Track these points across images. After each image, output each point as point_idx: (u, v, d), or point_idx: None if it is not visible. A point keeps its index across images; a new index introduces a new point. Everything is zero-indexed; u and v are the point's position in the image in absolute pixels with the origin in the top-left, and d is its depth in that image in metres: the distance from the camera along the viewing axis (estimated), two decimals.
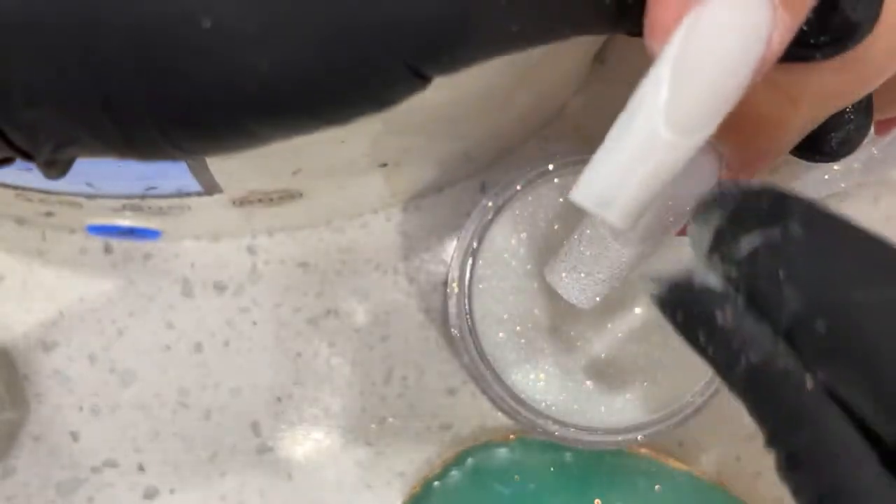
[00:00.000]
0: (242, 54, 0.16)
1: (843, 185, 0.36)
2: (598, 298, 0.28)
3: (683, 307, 0.18)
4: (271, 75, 0.16)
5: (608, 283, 0.27)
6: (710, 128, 0.18)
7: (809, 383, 0.17)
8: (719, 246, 0.18)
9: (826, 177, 0.30)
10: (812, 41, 0.18)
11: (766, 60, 0.18)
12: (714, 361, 0.18)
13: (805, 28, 0.18)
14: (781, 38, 0.18)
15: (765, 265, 0.17)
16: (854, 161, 0.35)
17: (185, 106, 0.17)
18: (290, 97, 0.17)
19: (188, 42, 0.16)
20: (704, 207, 0.18)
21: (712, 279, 0.18)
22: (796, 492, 0.17)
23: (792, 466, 0.17)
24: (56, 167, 0.19)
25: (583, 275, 0.27)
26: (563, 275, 0.28)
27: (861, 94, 0.20)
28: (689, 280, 0.18)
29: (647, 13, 0.18)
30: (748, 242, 0.17)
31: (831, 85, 0.20)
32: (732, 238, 0.17)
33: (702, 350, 0.18)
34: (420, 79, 0.17)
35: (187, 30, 0.16)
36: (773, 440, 0.17)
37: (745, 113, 0.19)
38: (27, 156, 0.18)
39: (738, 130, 0.20)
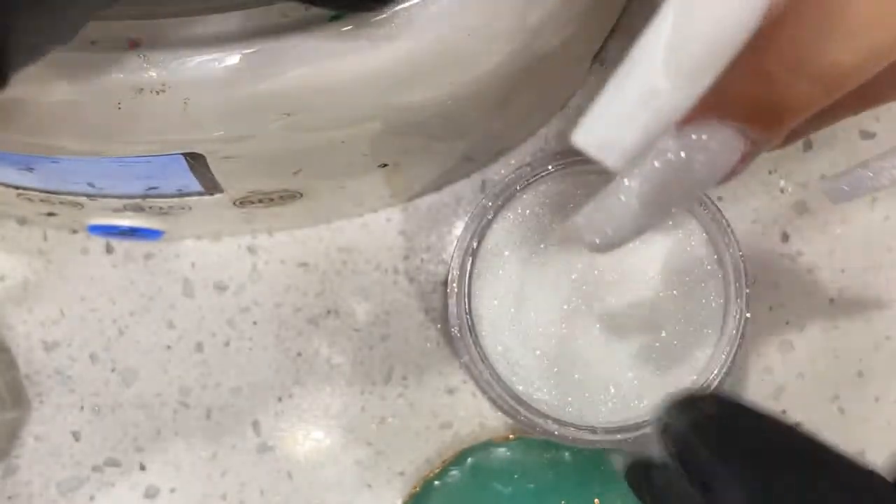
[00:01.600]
0: None
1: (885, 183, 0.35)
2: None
3: (638, 477, 0.25)
4: None
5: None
6: (710, 75, 0.17)
7: None
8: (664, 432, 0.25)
9: (870, 174, 0.30)
10: None
11: (770, 9, 0.17)
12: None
13: None
14: None
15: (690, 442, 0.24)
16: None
17: None
18: None
19: None
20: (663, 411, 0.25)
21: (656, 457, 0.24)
22: None
23: None
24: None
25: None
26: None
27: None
28: (645, 459, 0.25)
29: None
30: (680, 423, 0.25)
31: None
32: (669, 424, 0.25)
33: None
34: None
35: None
36: None
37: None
38: None
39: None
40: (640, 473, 0.25)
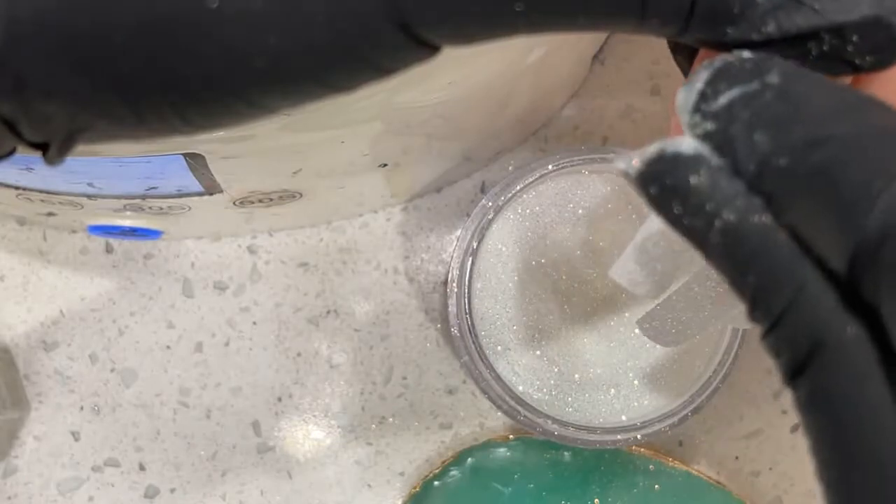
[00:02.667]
0: (249, 31, 0.16)
1: None
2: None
3: (656, 179, 0.18)
4: (278, 49, 0.17)
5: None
6: None
7: (782, 237, 0.16)
8: (700, 105, 0.17)
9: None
10: (857, 61, 0.18)
11: None
12: (690, 231, 0.17)
13: (849, 47, 0.17)
14: None
15: (739, 113, 0.17)
16: None
17: (196, 85, 0.17)
18: (297, 69, 0.17)
19: (195, 24, 0.16)
20: (695, 73, 0.18)
21: (684, 145, 0.17)
22: (778, 357, 0.17)
23: (774, 330, 0.17)
24: (63, 155, 0.19)
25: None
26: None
27: None
28: (660, 152, 0.17)
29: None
30: (726, 96, 0.17)
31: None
32: (713, 95, 0.17)
33: (678, 222, 0.18)
34: (425, 47, 0.17)
35: (194, 12, 0.16)
36: (755, 307, 0.17)
37: None
38: (36, 146, 0.19)
39: None
40: (664, 174, 0.17)
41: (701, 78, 0.18)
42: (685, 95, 0.18)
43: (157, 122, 0.18)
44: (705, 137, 0.17)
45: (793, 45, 0.17)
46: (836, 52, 0.17)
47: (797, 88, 0.17)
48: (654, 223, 0.21)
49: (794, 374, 0.16)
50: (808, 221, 0.16)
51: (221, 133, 0.27)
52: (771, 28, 0.17)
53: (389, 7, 0.17)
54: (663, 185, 0.17)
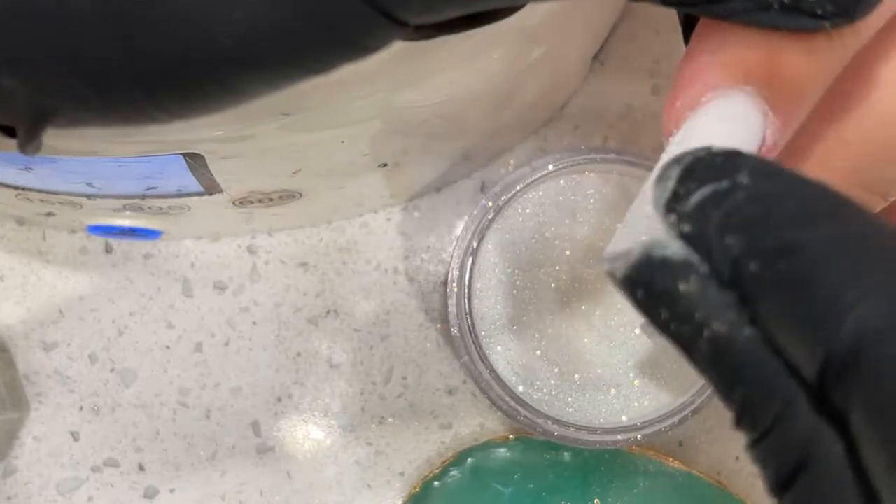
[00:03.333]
0: (216, 7, 0.16)
1: None
2: None
3: (643, 283, 0.17)
4: (246, 26, 0.16)
5: None
6: None
7: (768, 350, 0.16)
8: (673, 203, 0.17)
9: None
10: (819, 11, 0.18)
11: (765, 155, 0.19)
12: (677, 337, 0.17)
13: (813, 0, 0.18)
14: (775, 138, 0.19)
15: (711, 214, 0.17)
16: None
17: (164, 65, 0.17)
18: (267, 47, 0.17)
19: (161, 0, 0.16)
20: (664, 169, 0.18)
21: (672, 249, 0.17)
22: (764, 468, 0.17)
23: (761, 443, 0.17)
24: (35, 141, 0.19)
25: None
26: None
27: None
28: (647, 254, 0.17)
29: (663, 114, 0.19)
30: (698, 195, 0.17)
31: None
32: (684, 194, 0.17)
33: (664, 327, 0.17)
34: (396, 23, 0.17)
35: None
36: (741, 419, 0.17)
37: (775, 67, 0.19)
38: (7, 131, 0.18)
39: (771, 87, 0.20)
40: (652, 279, 0.17)
41: (672, 175, 0.18)
42: (658, 194, 0.18)
43: (125, 105, 0.17)
44: (683, 238, 0.17)
45: None
46: (798, 3, 0.18)
47: (768, 189, 0.17)
48: (638, 209, 0.21)
49: (781, 487, 0.16)
50: (779, 328, 0.16)
51: (221, 132, 0.27)
52: None
53: None
54: (651, 291, 0.17)
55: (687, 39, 0.21)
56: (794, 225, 0.16)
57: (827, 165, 0.22)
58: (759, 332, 0.16)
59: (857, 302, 0.15)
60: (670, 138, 0.20)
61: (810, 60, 0.19)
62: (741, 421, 0.17)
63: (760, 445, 0.17)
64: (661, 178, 0.18)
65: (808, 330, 0.15)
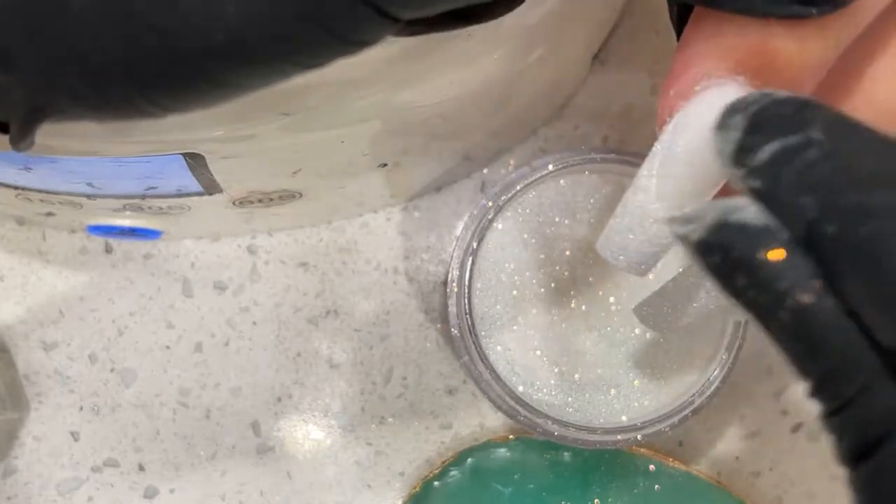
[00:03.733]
0: (206, 2, 0.16)
1: None
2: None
3: (721, 250, 0.17)
4: (238, 21, 0.16)
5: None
6: (693, 198, 0.20)
7: (843, 320, 0.16)
8: (741, 155, 0.17)
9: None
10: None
11: None
12: (755, 306, 0.17)
13: None
14: None
15: (783, 172, 0.16)
16: None
17: (156, 60, 0.17)
18: (258, 42, 0.17)
19: None
20: (728, 115, 0.17)
21: (750, 213, 0.17)
22: (841, 438, 0.16)
23: (841, 413, 0.16)
24: (27, 138, 0.19)
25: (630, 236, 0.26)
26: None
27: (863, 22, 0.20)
28: (724, 218, 0.17)
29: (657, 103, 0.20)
30: (767, 150, 0.16)
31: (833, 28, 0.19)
32: (753, 146, 0.17)
33: (742, 294, 0.17)
34: (388, 18, 0.17)
35: None
36: (820, 389, 0.17)
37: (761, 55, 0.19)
38: (0, 127, 0.18)
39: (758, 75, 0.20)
40: (731, 245, 0.16)
41: (736, 124, 0.17)
42: (722, 142, 0.17)
43: (119, 100, 0.17)
44: (754, 195, 0.17)
45: None
46: None
47: (843, 146, 0.16)
48: (632, 199, 0.21)
49: (858, 458, 0.16)
50: (856, 291, 0.16)
51: (221, 132, 0.27)
52: None
53: None
54: (729, 258, 0.17)
55: (680, 34, 0.21)
56: (874, 185, 0.15)
57: None
58: (838, 298, 0.16)
59: None
60: (663, 127, 0.20)
61: (802, 49, 0.19)
62: (819, 392, 0.17)
63: (840, 416, 0.16)
64: (724, 127, 0.17)
65: (885, 301, 0.15)
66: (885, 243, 0.15)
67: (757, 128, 0.17)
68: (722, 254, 0.17)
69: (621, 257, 0.22)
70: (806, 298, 0.16)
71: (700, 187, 0.20)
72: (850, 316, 0.16)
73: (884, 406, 0.16)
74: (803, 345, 0.17)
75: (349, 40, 0.18)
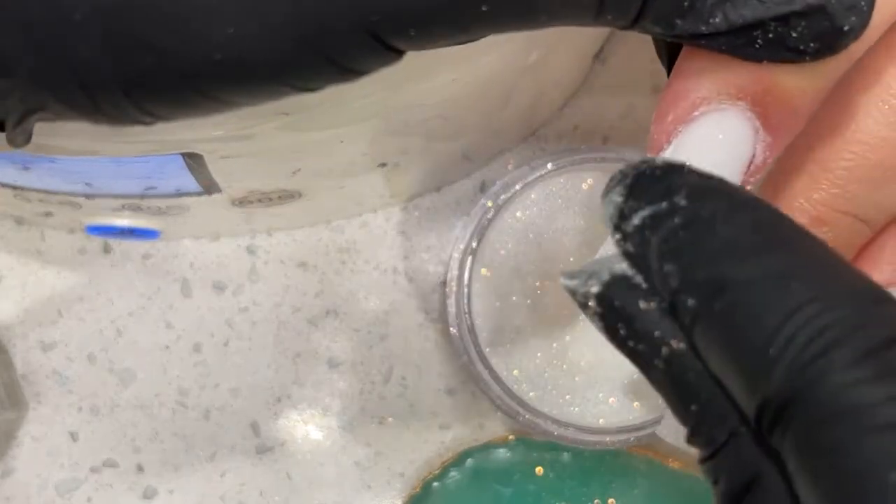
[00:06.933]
0: (206, 22, 0.16)
1: None
2: None
3: (601, 298, 0.18)
4: (234, 43, 0.16)
5: None
6: None
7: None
8: (619, 221, 0.18)
9: None
10: (801, 47, 0.18)
11: (753, 172, 0.19)
12: (635, 355, 0.18)
13: (794, 34, 0.18)
14: (765, 156, 0.19)
15: (650, 237, 0.17)
16: None
17: (151, 73, 0.17)
18: (254, 64, 0.17)
19: (153, 10, 0.16)
20: (610, 185, 0.18)
21: (628, 266, 0.17)
22: (715, 482, 0.17)
23: (714, 459, 0.17)
24: (23, 135, 0.19)
25: None
26: None
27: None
28: (609, 268, 0.18)
29: (651, 129, 0.20)
30: (639, 216, 0.17)
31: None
32: (628, 212, 0.17)
33: (622, 344, 0.18)
34: (391, 51, 0.17)
35: None
36: (695, 434, 0.17)
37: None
38: None
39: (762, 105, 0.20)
40: (611, 296, 0.17)
41: (617, 191, 0.18)
42: (606, 210, 0.18)
43: (112, 109, 0.18)
44: (626, 257, 0.17)
45: (739, 34, 0.18)
46: (782, 39, 0.18)
47: (703, 213, 0.16)
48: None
49: (733, 501, 0.17)
50: (714, 361, 0.16)
51: (220, 132, 0.26)
52: (719, 20, 0.18)
53: (355, 11, 0.16)
54: (609, 307, 0.18)
55: (670, 68, 0.21)
56: (727, 257, 0.16)
57: (810, 193, 0.22)
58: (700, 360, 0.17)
59: (785, 350, 0.15)
60: (661, 153, 0.20)
61: (803, 77, 0.19)
62: (694, 437, 0.17)
63: (712, 462, 0.17)
64: (608, 193, 0.18)
65: (742, 375, 0.16)
66: (737, 318, 0.16)
67: (632, 194, 0.17)
68: (604, 304, 0.18)
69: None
70: (678, 346, 0.17)
71: None
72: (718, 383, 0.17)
73: (747, 458, 0.16)
74: (676, 392, 0.17)
75: (348, 69, 0.18)
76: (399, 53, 0.18)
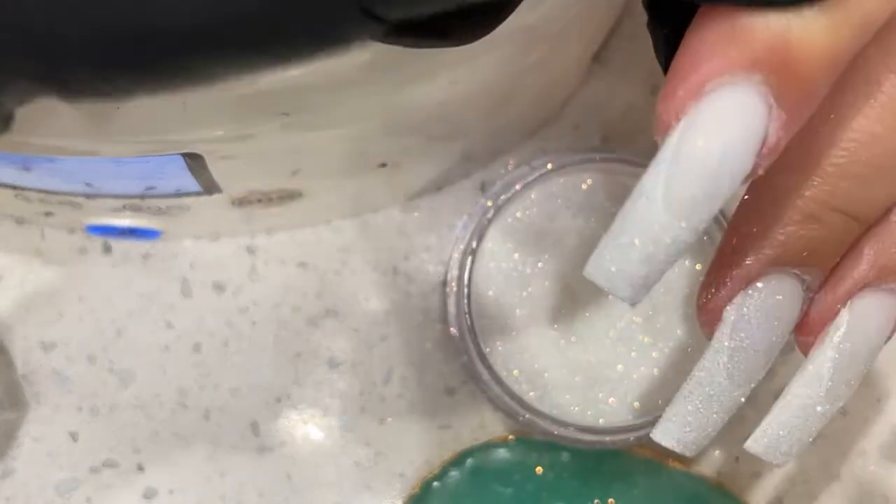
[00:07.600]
0: None
1: None
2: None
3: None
4: (207, 9, 0.16)
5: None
6: (707, 213, 0.19)
7: None
8: None
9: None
10: None
11: (766, 154, 0.19)
12: None
13: None
14: (779, 134, 0.19)
15: None
16: None
17: (121, 45, 0.16)
18: (230, 33, 0.16)
19: None
20: None
21: None
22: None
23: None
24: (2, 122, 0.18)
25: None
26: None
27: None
28: None
29: (656, 108, 0.19)
30: None
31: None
32: None
33: None
34: (373, 18, 0.17)
35: None
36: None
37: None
38: None
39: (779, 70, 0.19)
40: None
41: None
42: None
43: (82, 84, 0.17)
44: None
45: None
46: None
47: None
48: (633, 206, 0.20)
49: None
50: None
51: (220, 132, 0.27)
52: None
53: None
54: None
55: (667, 66, 0.20)
56: None
57: (801, 190, 0.22)
58: None
59: None
60: (670, 131, 0.19)
61: (821, 46, 0.19)
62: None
63: None
64: None
65: None
66: None
67: None
68: None
69: (617, 280, 0.20)
70: None
71: (717, 192, 0.19)
72: None
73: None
74: None
75: (328, 38, 0.17)
76: (382, 20, 0.17)
